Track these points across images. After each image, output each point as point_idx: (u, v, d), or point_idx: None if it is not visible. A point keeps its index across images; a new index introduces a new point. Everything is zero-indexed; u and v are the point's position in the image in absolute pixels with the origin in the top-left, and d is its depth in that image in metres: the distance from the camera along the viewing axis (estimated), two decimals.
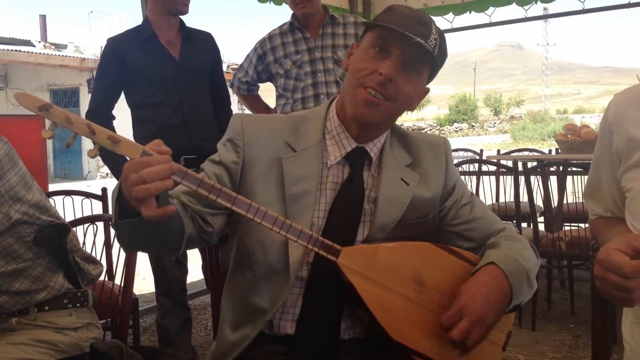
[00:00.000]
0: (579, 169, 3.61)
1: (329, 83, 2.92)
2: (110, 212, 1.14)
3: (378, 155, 1.35)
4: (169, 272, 2.74)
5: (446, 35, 1.29)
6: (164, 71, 2.69)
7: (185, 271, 2.87)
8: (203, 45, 2.84)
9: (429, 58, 1.24)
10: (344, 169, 1.32)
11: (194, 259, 3.13)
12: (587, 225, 1.44)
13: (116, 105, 2.80)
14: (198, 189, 1.13)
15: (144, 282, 4.41)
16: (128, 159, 1.09)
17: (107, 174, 16.24)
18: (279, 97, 3.07)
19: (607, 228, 1.26)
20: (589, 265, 3.36)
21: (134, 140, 1.14)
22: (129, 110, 2.80)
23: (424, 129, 39.61)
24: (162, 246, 1.25)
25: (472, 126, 49.92)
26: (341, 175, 1.32)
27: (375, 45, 1.23)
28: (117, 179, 2.71)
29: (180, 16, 2.77)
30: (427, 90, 1.35)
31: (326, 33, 2.97)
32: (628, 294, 1.02)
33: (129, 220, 1.09)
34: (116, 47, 2.72)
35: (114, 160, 2.67)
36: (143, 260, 2.91)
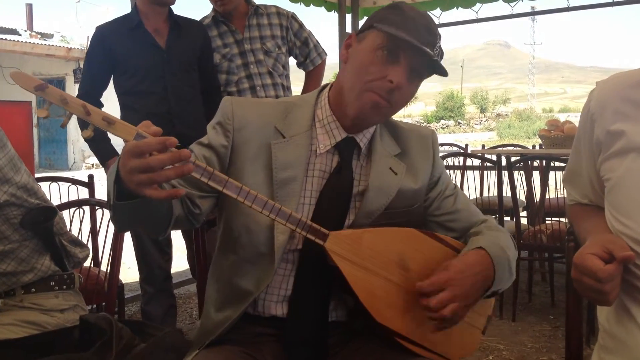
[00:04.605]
0: (561, 164, 3.66)
1: (262, 74, 2.96)
2: (98, 196, 1.16)
3: (367, 145, 1.36)
4: (150, 259, 2.77)
5: None
6: (149, 59, 2.70)
7: (168, 259, 2.88)
8: (192, 34, 2.83)
9: (433, 66, 1.26)
10: (333, 157, 1.34)
11: (180, 249, 3.14)
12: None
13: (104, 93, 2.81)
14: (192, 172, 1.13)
15: (129, 271, 4.41)
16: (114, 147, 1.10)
17: (92, 165, 16.10)
18: None
19: (583, 219, 1.28)
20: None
21: None
22: (116, 98, 2.80)
23: None
24: (152, 226, 1.25)
25: (459, 123, 50.18)
26: (330, 164, 1.33)
27: (384, 49, 1.22)
28: (102, 164, 2.73)
29: (171, 6, 2.78)
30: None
31: (252, 24, 3.00)
32: (604, 296, 1.06)
33: (130, 202, 1.08)
34: (103, 35, 2.73)
35: (99, 145, 2.68)
36: (128, 249, 2.92)
